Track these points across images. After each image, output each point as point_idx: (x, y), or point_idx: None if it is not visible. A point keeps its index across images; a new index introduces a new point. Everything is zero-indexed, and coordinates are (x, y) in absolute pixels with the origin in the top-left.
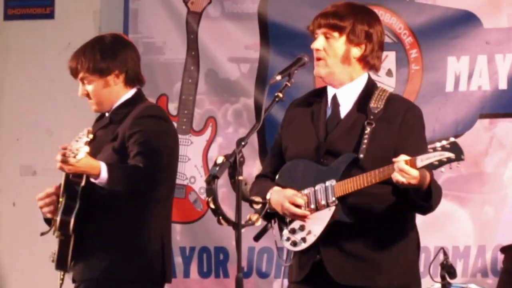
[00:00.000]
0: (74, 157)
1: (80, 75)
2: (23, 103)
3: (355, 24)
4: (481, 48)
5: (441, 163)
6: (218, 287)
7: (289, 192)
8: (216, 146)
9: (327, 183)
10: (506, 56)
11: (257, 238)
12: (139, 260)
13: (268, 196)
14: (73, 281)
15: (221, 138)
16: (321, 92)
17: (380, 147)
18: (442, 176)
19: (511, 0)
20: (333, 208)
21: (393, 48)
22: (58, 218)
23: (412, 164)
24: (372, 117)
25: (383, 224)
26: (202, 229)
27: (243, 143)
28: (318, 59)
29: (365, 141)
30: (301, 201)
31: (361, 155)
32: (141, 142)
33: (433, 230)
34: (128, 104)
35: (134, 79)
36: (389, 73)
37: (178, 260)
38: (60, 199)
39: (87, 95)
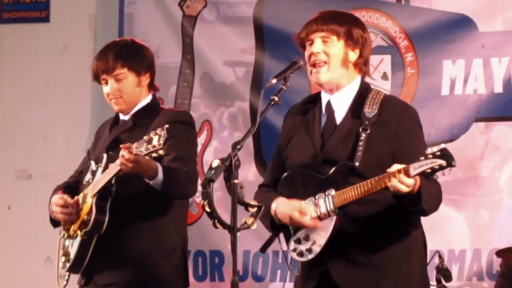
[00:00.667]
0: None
1: (116, 71)
2: (18, 107)
3: (351, 28)
4: (477, 52)
5: (433, 170)
6: None
7: (296, 202)
8: (212, 149)
9: (327, 193)
10: (501, 59)
11: (263, 249)
12: (165, 265)
13: (273, 208)
14: (84, 283)
15: (216, 142)
16: (316, 98)
17: (376, 153)
18: (438, 179)
19: (506, 4)
20: (334, 218)
21: (388, 51)
22: (93, 217)
23: (406, 173)
24: (366, 122)
25: (385, 230)
26: (197, 232)
27: (238, 147)
28: (318, 64)
29: (360, 148)
30: (310, 211)
31: (357, 163)
32: (178, 148)
33: (428, 234)
34: (150, 109)
35: (153, 84)
36: (384, 76)
37: None
38: (89, 199)
39: (115, 93)
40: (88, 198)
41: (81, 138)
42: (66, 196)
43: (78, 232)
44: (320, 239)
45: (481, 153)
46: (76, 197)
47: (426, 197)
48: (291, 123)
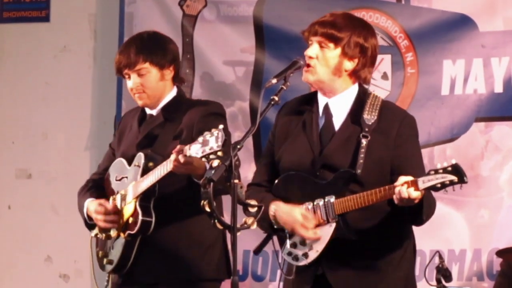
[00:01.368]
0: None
1: (138, 66)
2: (18, 106)
3: (352, 37)
4: (477, 52)
5: (443, 185)
6: None
7: (298, 213)
8: None
9: (326, 199)
10: (501, 59)
11: (257, 251)
12: (207, 261)
13: (271, 212)
14: (122, 283)
15: None
16: (311, 99)
17: (377, 161)
18: None
19: (506, 4)
20: (333, 225)
21: (388, 51)
22: (140, 220)
23: (414, 186)
24: (367, 129)
25: (382, 234)
26: None
27: (238, 147)
28: (308, 65)
29: (362, 155)
30: (311, 222)
31: (359, 171)
32: None
33: (428, 234)
34: (178, 102)
35: (178, 76)
36: (384, 76)
37: None
38: (130, 200)
39: (138, 88)
40: (129, 199)
41: (81, 137)
42: (103, 201)
43: (121, 234)
44: (318, 245)
45: (481, 153)
46: (112, 200)
47: (427, 209)
48: (285, 122)
